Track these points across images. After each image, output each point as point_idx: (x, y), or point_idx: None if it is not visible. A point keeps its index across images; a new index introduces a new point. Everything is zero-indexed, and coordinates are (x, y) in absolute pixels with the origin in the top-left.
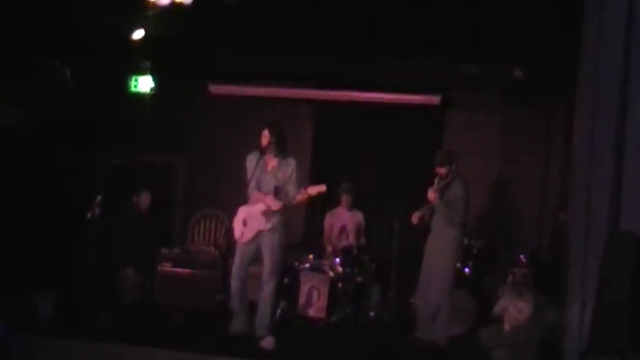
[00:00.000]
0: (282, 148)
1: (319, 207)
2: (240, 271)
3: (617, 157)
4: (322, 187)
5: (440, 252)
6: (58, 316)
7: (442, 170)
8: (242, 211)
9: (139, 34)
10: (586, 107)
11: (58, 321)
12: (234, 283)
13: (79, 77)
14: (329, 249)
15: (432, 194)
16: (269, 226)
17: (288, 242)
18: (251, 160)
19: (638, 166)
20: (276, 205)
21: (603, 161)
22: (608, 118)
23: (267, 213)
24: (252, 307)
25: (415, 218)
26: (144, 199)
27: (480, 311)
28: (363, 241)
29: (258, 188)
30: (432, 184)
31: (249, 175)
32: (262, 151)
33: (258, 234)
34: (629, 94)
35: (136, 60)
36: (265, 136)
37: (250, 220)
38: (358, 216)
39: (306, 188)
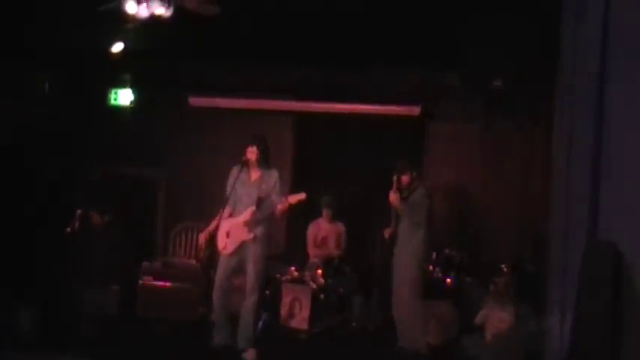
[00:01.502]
0: (267, 161)
1: (301, 218)
2: (223, 282)
3: (595, 166)
4: (302, 196)
5: (407, 259)
6: (39, 331)
7: (405, 178)
8: (225, 223)
9: (118, 46)
10: (563, 117)
11: (39, 335)
12: (217, 295)
13: (58, 90)
14: (310, 259)
15: (392, 196)
16: (252, 236)
17: (270, 254)
18: (232, 174)
19: (616, 175)
20: (279, 211)
21: (582, 170)
22: (586, 128)
23: (250, 224)
24: (234, 319)
25: (387, 233)
26: (94, 218)
27: (462, 321)
28: (342, 252)
29: (240, 200)
30: (391, 186)
31: (228, 189)
32: (245, 164)
33: (242, 245)
34: (607, 104)
35: (116, 73)
36: (253, 152)
37: (233, 232)
38: (339, 227)
39: (286, 197)
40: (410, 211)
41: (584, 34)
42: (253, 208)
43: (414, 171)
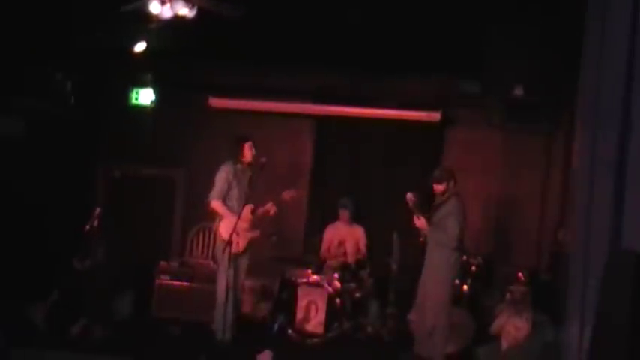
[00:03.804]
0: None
1: (319, 221)
2: (237, 282)
3: (617, 175)
4: (294, 193)
5: (436, 270)
6: (54, 328)
7: (440, 187)
8: (228, 222)
9: (140, 46)
10: (586, 125)
11: (53, 333)
12: (232, 294)
13: (79, 89)
14: (327, 263)
15: (418, 222)
16: (258, 233)
17: (287, 256)
18: (226, 171)
19: (639, 184)
20: (273, 209)
21: (603, 179)
22: (609, 136)
23: (253, 222)
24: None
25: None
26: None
27: (478, 329)
28: (362, 255)
29: (239, 198)
30: (418, 211)
31: (225, 186)
32: (242, 163)
33: (249, 243)
34: (631, 112)
35: (137, 72)
36: (251, 148)
37: (242, 230)
38: (358, 231)
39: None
40: (437, 234)
41: (609, 39)
42: (252, 206)
43: (451, 181)
